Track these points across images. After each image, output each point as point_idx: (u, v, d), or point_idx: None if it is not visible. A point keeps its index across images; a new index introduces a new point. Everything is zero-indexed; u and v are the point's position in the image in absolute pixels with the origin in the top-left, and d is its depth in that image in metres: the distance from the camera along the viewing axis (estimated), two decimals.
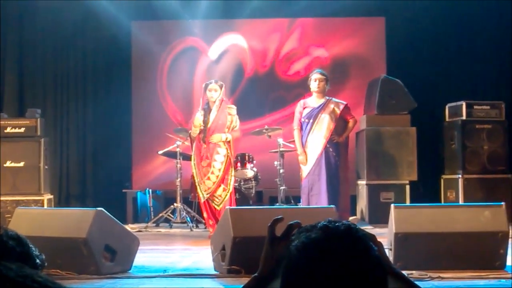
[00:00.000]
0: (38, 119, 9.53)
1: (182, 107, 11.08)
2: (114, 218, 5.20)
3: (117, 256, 5.05)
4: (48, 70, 11.05)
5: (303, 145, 8.13)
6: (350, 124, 8.32)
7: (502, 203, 5.20)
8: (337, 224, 1.51)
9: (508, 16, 10.61)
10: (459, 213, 5.15)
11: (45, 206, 9.04)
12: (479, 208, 5.20)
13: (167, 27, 11.24)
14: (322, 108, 8.14)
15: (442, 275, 4.67)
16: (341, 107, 8.24)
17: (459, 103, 9.74)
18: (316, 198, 7.98)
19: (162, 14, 10.85)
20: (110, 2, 10.51)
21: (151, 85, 11.10)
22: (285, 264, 1.47)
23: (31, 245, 1.90)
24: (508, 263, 5.02)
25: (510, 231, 5.12)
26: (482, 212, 5.09)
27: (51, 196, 9.64)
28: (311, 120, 8.12)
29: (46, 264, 1.91)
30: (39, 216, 5.31)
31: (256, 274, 1.80)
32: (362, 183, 9.69)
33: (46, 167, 9.49)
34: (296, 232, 1.55)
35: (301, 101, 8.33)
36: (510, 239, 5.11)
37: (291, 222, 1.70)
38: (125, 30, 10.95)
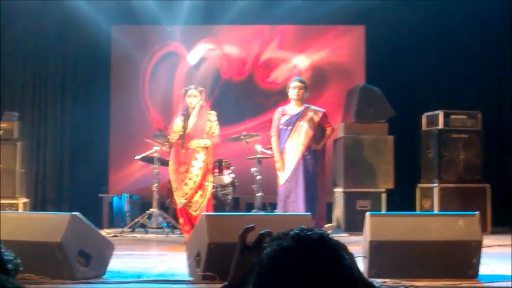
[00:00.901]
0: (15, 122, 9.48)
1: (161, 112, 11.07)
2: (90, 223, 5.19)
3: (92, 261, 5.04)
4: (27, 72, 11.00)
5: (281, 152, 8.15)
6: (328, 132, 8.35)
7: (476, 212, 5.24)
8: (309, 232, 1.51)
9: (486, 27, 10.73)
10: (433, 222, 5.18)
11: (20, 210, 8.99)
12: (453, 217, 5.24)
13: (147, 32, 11.23)
14: (300, 115, 8.16)
15: (415, 283, 4.70)
16: (320, 115, 8.27)
17: (436, 112, 9.81)
18: (293, 205, 7.99)
19: (142, 19, 10.83)
20: (91, 5, 10.48)
21: (130, 90, 11.08)
22: (256, 272, 1.47)
23: (3, 250, 1.88)
24: (481, 272, 5.06)
25: (483, 241, 5.16)
26: (456, 221, 5.13)
27: (27, 200, 9.59)
28: (289, 127, 8.13)
29: (21, 268, 1.89)
30: (14, 220, 5.28)
31: (226, 283, 1.80)
32: (338, 190, 9.72)
33: (23, 170, 9.45)
34: (268, 240, 1.55)
35: (280, 108, 8.35)
36: (483, 249, 5.15)
37: (262, 232, 1.69)
38: (105, 34, 10.92)
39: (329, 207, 9.67)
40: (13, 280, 1.33)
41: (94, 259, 5.06)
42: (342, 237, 8.84)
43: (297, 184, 8.04)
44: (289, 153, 8.11)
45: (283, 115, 8.21)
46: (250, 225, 1.83)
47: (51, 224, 5.00)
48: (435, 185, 9.52)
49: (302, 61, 11.20)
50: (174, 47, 11.23)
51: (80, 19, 10.55)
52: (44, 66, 11.08)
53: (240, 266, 1.78)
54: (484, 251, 5.17)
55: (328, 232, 9.19)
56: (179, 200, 7.72)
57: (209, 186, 7.82)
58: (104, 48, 11.05)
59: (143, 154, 9.50)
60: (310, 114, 8.20)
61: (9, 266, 1.77)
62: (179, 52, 11.23)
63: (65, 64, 11.17)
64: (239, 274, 1.76)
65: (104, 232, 9.15)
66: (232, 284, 1.78)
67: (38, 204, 10.73)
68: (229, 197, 9.60)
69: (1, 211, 7.29)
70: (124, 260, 6.13)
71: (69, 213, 5.10)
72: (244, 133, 9.48)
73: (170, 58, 11.23)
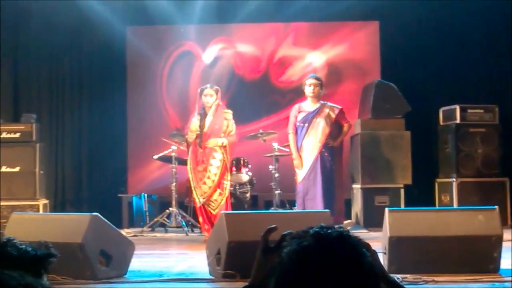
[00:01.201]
0: (34, 124, 9.54)
1: (178, 112, 11.10)
2: (109, 223, 5.22)
3: (113, 261, 5.07)
4: (43, 74, 11.07)
5: (298, 149, 8.15)
6: (345, 128, 8.34)
7: (496, 207, 5.23)
8: (329, 230, 1.50)
9: (500, 19, 10.67)
10: (452, 216, 5.17)
11: (41, 211, 9.06)
12: (473, 212, 5.23)
13: (162, 32, 11.27)
14: (317, 112, 8.17)
15: (436, 278, 4.70)
16: (336, 111, 8.26)
17: (453, 106, 9.78)
18: (312, 202, 8.00)
19: (157, 19, 10.87)
20: (105, 7, 10.53)
21: (146, 90, 11.12)
22: (277, 271, 1.48)
23: (31, 250, 1.86)
24: (502, 266, 5.05)
25: (504, 235, 5.15)
26: (475, 215, 5.12)
27: (47, 201, 9.65)
28: (306, 124, 8.14)
29: (54, 260, 1.82)
30: (35, 222, 5.33)
31: (248, 283, 1.80)
32: (356, 187, 9.71)
33: (42, 172, 9.51)
34: (288, 239, 1.54)
35: (296, 105, 8.35)
36: (503, 243, 5.14)
37: (285, 233, 1.67)
38: (120, 35, 10.97)
39: (348, 204, 9.67)
40: (42, 281, 1.35)
41: (115, 258, 5.10)
42: (361, 233, 8.83)
43: (315, 181, 8.05)
44: (307, 150, 8.11)
45: (300, 112, 8.22)
46: (273, 226, 1.83)
47: (72, 225, 5.04)
48: (453, 179, 9.49)
49: (317, 58, 11.19)
50: (189, 47, 11.26)
51: (94, 21, 10.60)
52: (60, 68, 11.15)
53: (262, 266, 1.77)
54: (504, 245, 5.16)
55: (347, 228, 9.20)
56: (198, 199, 7.75)
57: (227, 185, 7.84)
58: (119, 49, 11.10)
59: (161, 154, 9.55)
60: (327, 110, 8.20)
61: (39, 253, 1.74)
62: (194, 51, 11.26)
63: (81, 66, 11.23)
64: (260, 275, 1.75)
65: (124, 232, 9.19)
66: (254, 285, 1.78)
67: (58, 205, 10.79)
68: (248, 195, 9.62)
69: (22, 213, 7.36)
70: (144, 260, 6.16)
71: (89, 213, 5.14)
72: (260, 131, 9.51)
73: (185, 58, 11.27)
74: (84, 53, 11.18)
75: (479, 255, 4.98)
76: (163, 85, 11.21)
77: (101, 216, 5.13)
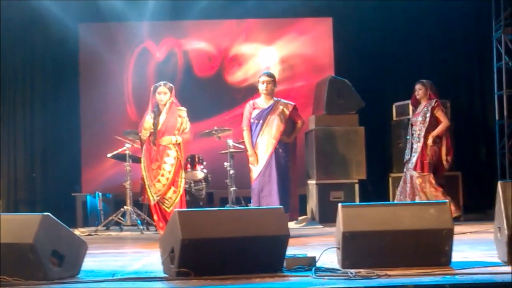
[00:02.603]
0: None
1: (132, 109, 11.03)
2: (61, 223, 5.16)
3: (65, 261, 5.00)
4: None
5: (253, 146, 8.15)
6: (299, 124, 8.37)
7: (447, 201, 5.30)
8: None
9: (452, 15, 10.81)
10: (405, 211, 5.21)
11: None
12: (425, 206, 5.28)
13: (115, 29, 11.19)
14: (271, 109, 8.17)
15: (389, 272, 4.73)
16: (290, 108, 8.28)
17: (405, 102, 9.89)
18: (267, 199, 8.00)
19: (109, 16, 10.79)
20: (57, 4, 10.41)
21: (99, 87, 11.02)
22: None
23: None
24: (453, 259, 5.11)
25: (455, 228, 5.21)
26: (427, 210, 5.17)
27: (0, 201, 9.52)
28: (260, 121, 8.14)
29: None
30: None
31: None
32: (312, 182, 9.77)
33: None
34: None
35: (251, 102, 8.35)
36: (455, 236, 5.20)
37: None
38: (73, 32, 10.87)
39: (303, 199, 9.72)
40: None
41: (68, 259, 5.03)
42: (317, 229, 8.89)
43: (270, 178, 8.05)
44: (261, 147, 8.11)
45: (254, 109, 8.22)
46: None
47: (22, 225, 4.96)
48: None
49: (270, 55, 11.22)
50: (142, 44, 11.20)
51: (46, 17, 10.49)
52: (11, 65, 10.99)
53: None
54: (456, 238, 5.23)
55: (303, 224, 9.24)
56: (152, 197, 7.71)
57: (181, 182, 7.80)
58: (72, 46, 11.01)
59: (115, 152, 9.48)
60: (281, 107, 8.21)
61: None
62: (147, 48, 11.20)
63: (33, 63, 11.09)
64: None
65: (79, 231, 9.13)
66: None
67: (11, 205, 10.65)
68: (203, 192, 9.61)
69: None
70: (98, 259, 6.11)
71: (40, 213, 5.07)
72: (215, 128, 9.50)
73: (138, 55, 11.21)
74: (36, 50, 11.06)
75: (431, 249, 5.03)
76: (116, 82, 11.12)
77: (52, 216, 5.06)
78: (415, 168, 8.51)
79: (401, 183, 8.74)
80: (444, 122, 8.58)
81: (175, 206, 7.53)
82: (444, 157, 8.62)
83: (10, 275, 4.80)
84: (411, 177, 8.57)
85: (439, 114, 8.59)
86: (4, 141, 10.77)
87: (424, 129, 8.53)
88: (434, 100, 8.64)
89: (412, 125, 8.72)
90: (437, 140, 8.59)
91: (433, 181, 8.47)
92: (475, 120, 11.01)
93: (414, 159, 8.55)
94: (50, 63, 11.07)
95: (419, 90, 8.71)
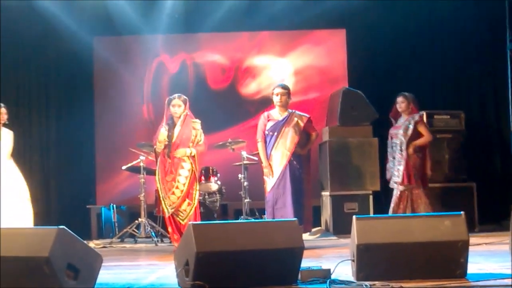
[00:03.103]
0: None
1: (145, 122, 11.07)
2: (76, 236, 5.18)
3: (80, 274, 5.02)
4: (9, 85, 10.93)
5: (268, 158, 8.16)
6: (313, 137, 8.37)
7: (462, 212, 5.26)
8: None
9: (466, 26, 10.79)
10: (419, 223, 5.20)
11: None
12: (439, 218, 5.26)
13: (129, 42, 11.24)
14: (286, 121, 8.18)
15: (404, 285, 4.72)
16: (305, 120, 8.29)
17: (420, 113, 9.84)
18: (282, 211, 8.00)
19: (123, 29, 10.84)
20: (71, 17, 10.48)
21: (113, 100, 11.07)
22: None
23: None
24: (469, 271, 5.09)
25: (470, 239, 5.19)
26: (442, 221, 5.16)
27: None
28: (275, 133, 8.15)
29: None
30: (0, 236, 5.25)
31: None
32: (326, 194, 9.75)
33: None
34: None
35: (265, 113, 8.36)
36: (470, 247, 5.18)
37: None
38: (87, 45, 10.92)
39: (317, 211, 9.70)
40: None
41: (83, 272, 5.05)
42: (331, 240, 8.87)
43: (284, 190, 8.05)
44: (276, 159, 8.12)
45: (269, 120, 8.23)
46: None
47: (38, 239, 4.98)
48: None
49: (284, 67, 11.24)
50: (156, 57, 11.25)
51: (61, 31, 10.54)
52: (26, 79, 11.05)
53: None
54: (471, 249, 5.21)
55: (317, 236, 9.22)
56: (167, 209, 7.73)
57: (196, 194, 7.82)
58: (86, 59, 11.06)
59: (130, 164, 9.51)
60: (295, 119, 8.22)
61: None
62: (161, 61, 11.24)
63: (48, 76, 11.15)
64: None
65: (93, 243, 9.15)
66: None
67: None
68: (217, 204, 9.62)
69: None
70: (113, 272, 6.12)
71: (55, 227, 5.09)
72: (229, 140, 9.52)
73: (152, 68, 11.25)
74: (51, 64, 11.12)
75: (446, 261, 5.02)
76: (130, 95, 11.16)
77: (68, 229, 5.08)
78: (402, 182, 8.29)
79: (395, 199, 8.38)
80: (427, 136, 8.40)
81: (189, 219, 7.55)
82: (428, 171, 8.49)
83: None
84: (401, 191, 8.31)
85: (422, 128, 8.40)
86: (20, 154, 10.79)
87: (405, 142, 8.34)
88: (418, 115, 8.48)
89: (392, 137, 8.51)
90: (420, 152, 8.42)
91: (422, 193, 8.36)
92: (489, 130, 10.96)
93: (400, 173, 8.30)
94: (65, 77, 11.13)
95: (401, 103, 8.47)
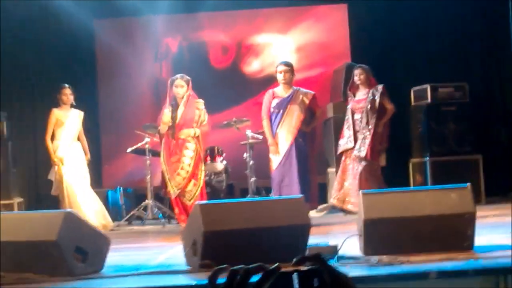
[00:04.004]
0: (4, 122, 9.45)
1: (150, 103, 11.06)
2: (84, 219, 5.20)
3: (89, 257, 5.05)
4: (11, 71, 10.90)
5: (274, 136, 8.15)
6: (318, 114, 8.37)
7: (468, 184, 5.25)
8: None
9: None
10: (425, 196, 5.21)
11: (15, 210, 8.98)
12: (445, 191, 5.26)
13: (130, 23, 11.21)
14: (291, 99, 8.18)
15: (411, 258, 4.72)
16: (310, 97, 8.28)
17: (423, 86, 9.83)
18: (288, 189, 8.02)
19: (124, 11, 10.79)
20: (70, 1, 10.44)
21: (117, 83, 11.05)
22: None
23: None
24: (476, 243, 5.09)
25: (477, 212, 5.19)
26: (448, 194, 5.16)
27: (21, 200, 9.58)
28: (281, 111, 8.15)
29: None
30: (8, 221, 5.28)
31: None
32: (332, 170, 9.74)
33: (15, 170, 9.42)
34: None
35: (270, 91, 8.36)
36: (477, 219, 5.18)
37: (235, 268, 1.36)
38: (88, 28, 10.88)
39: (323, 188, 9.70)
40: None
41: (91, 254, 5.07)
42: (338, 217, 8.88)
43: (290, 168, 8.07)
44: (281, 137, 8.13)
45: (274, 98, 8.23)
46: (223, 266, 1.42)
47: (46, 223, 5.01)
48: (427, 159, 9.55)
49: (286, 44, 11.20)
50: (158, 37, 11.21)
51: (60, 15, 10.49)
52: (28, 64, 11.01)
53: None
54: (478, 221, 5.20)
55: (324, 212, 9.23)
56: (173, 190, 7.74)
57: (201, 175, 7.84)
58: (88, 42, 11.03)
59: (135, 147, 9.51)
60: (301, 97, 8.22)
61: None
62: (163, 41, 11.22)
63: (49, 60, 11.10)
64: None
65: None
66: None
67: (33, 202, 10.71)
68: (223, 184, 9.63)
69: None
70: (122, 254, 6.14)
71: (63, 210, 5.11)
72: (234, 119, 9.50)
73: (154, 48, 11.22)
74: (52, 48, 11.07)
75: (453, 233, 5.02)
76: (133, 76, 11.14)
77: (75, 212, 5.11)
78: (366, 157, 8.16)
79: (345, 175, 8.29)
80: (391, 109, 8.31)
81: (195, 199, 7.56)
82: (384, 144, 8.45)
83: (35, 272, 4.86)
84: (363, 166, 8.20)
85: (386, 100, 8.30)
86: (24, 138, 10.82)
87: (374, 116, 8.21)
88: (381, 86, 8.36)
89: (353, 112, 8.34)
90: (384, 127, 8.36)
91: (379, 169, 8.33)
92: (493, 102, 10.93)
93: (365, 147, 8.19)
94: (67, 60, 11.09)
95: (360, 75, 8.31)
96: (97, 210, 8.62)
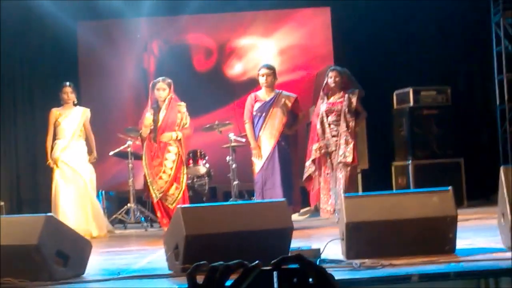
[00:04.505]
0: None
1: (132, 106, 11.02)
2: (65, 223, 5.17)
3: (70, 261, 5.02)
4: None
5: (256, 139, 8.14)
6: (300, 117, 8.37)
7: (449, 187, 5.27)
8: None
9: (451, 1, 10.77)
10: (407, 199, 5.22)
11: None
12: (427, 194, 5.28)
13: (113, 26, 11.17)
14: (273, 102, 8.17)
15: (393, 262, 4.73)
16: (292, 100, 8.28)
17: (406, 89, 9.87)
18: (271, 192, 8.01)
19: (107, 13, 10.75)
20: (54, 3, 10.38)
21: (99, 85, 10.99)
22: None
23: None
24: (458, 246, 5.11)
25: (459, 215, 5.20)
26: (430, 197, 5.17)
27: (2, 203, 9.51)
28: (263, 114, 8.14)
29: None
30: None
31: None
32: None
33: None
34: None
35: (252, 94, 8.35)
36: (459, 223, 5.20)
37: (215, 264, 1.35)
38: (71, 30, 10.83)
39: (305, 191, 9.70)
40: None
41: (72, 258, 5.04)
42: (320, 220, 8.88)
43: (273, 171, 8.06)
44: (264, 141, 8.12)
45: (256, 101, 8.22)
46: (201, 262, 1.39)
47: (27, 227, 4.98)
48: (409, 162, 9.58)
49: (269, 47, 11.20)
50: (141, 40, 11.18)
51: (44, 17, 10.44)
52: (10, 66, 10.93)
53: None
54: (460, 225, 5.22)
55: (307, 216, 9.23)
56: (155, 194, 7.71)
57: (183, 178, 7.81)
58: (70, 45, 10.97)
59: (117, 150, 9.47)
60: (283, 100, 8.21)
61: None
62: (146, 44, 11.18)
63: (32, 63, 11.05)
64: None
65: None
66: None
67: (15, 206, 10.64)
68: (206, 187, 9.61)
69: None
70: (103, 258, 6.12)
71: (44, 214, 5.07)
72: (216, 122, 9.48)
73: (137, 51, 11.18)
74: (34, 50, 11.01)
75: (434, 237, 5.04)
76: (116, 79, 11.09)
77: (56, 216, 5.07)
78: (353, 162, 7.94)
79: (327, 184, 8.06)
80: (364, 113, 8.24)
81: (178, 203, 7.54)
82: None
83: (15, 277, 4.82)
84: (348, 171, 7.95)
85: (359, 105, 8.22)
86: (5, 141, 10.75)
87: (352, 119, 8.09)
88: (357, 90, 8.24)
89: (327, 115, 8.08)
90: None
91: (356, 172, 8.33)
92: (476, 106, 10.98)
93: (348, 150, 7.94)
94: (49, 62, 11.03)
95: (335, 77, 8.08)
96: (85, 216, 8.34)
